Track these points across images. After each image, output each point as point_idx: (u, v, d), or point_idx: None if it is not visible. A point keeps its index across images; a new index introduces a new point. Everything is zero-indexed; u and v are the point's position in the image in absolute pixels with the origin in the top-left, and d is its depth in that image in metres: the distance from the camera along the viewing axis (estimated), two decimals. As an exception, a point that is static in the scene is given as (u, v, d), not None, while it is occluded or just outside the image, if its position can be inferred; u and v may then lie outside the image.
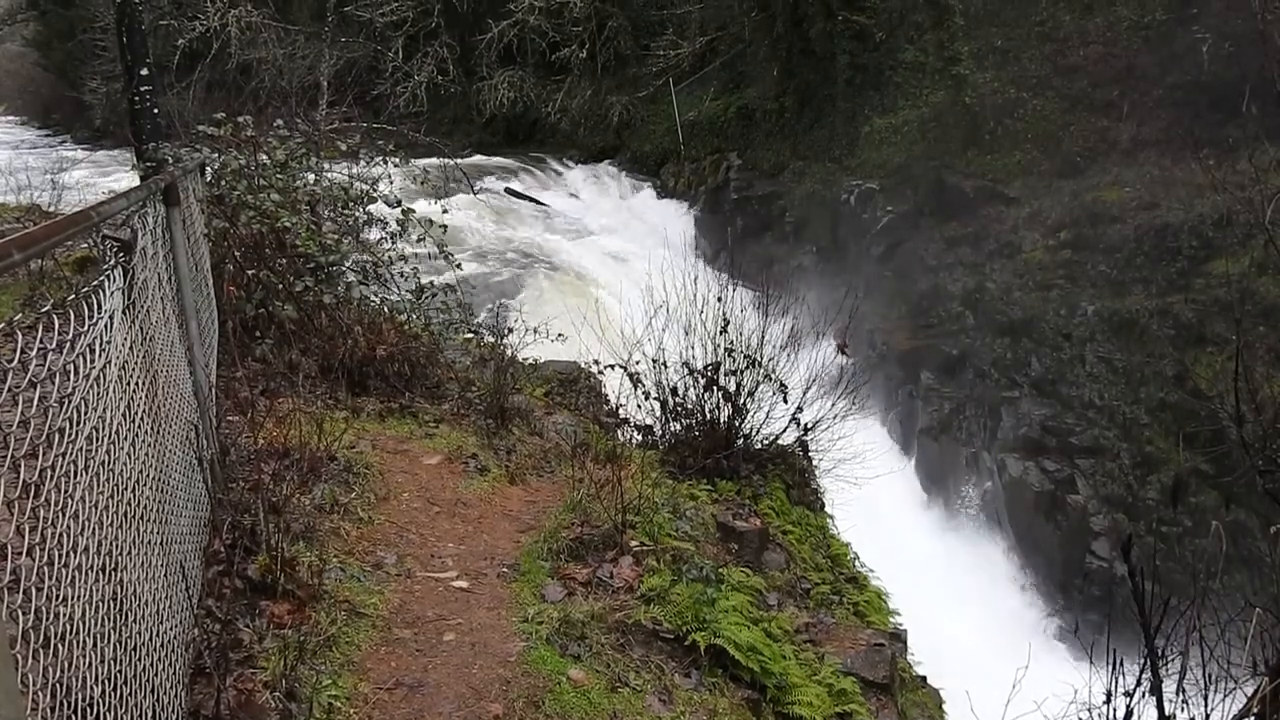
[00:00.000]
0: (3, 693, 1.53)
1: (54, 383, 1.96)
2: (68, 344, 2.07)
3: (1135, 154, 16.39)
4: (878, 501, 9.83)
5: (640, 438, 6.90)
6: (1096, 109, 17.50)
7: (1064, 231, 15.81)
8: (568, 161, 25.87)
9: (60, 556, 1.93)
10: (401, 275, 8.20)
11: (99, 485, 2.26)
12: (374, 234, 8.37)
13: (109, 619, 2.25)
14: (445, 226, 8.63)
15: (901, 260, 17.58)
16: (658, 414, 6.81)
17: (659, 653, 4.29)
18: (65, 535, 1.97)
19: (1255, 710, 3.18)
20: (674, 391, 6.68)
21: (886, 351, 16.05)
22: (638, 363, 6.66)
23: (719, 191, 22.22)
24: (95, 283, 2.50)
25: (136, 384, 2.87)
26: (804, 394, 6.71)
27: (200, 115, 8.32)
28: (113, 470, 2.41)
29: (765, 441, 6.77)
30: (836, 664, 4.82)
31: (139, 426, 2.83)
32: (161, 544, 2.97)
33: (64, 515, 1.97)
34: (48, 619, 1.84)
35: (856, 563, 6.65)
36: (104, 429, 2.34)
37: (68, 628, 1.95)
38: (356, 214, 8.35)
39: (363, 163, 9.03)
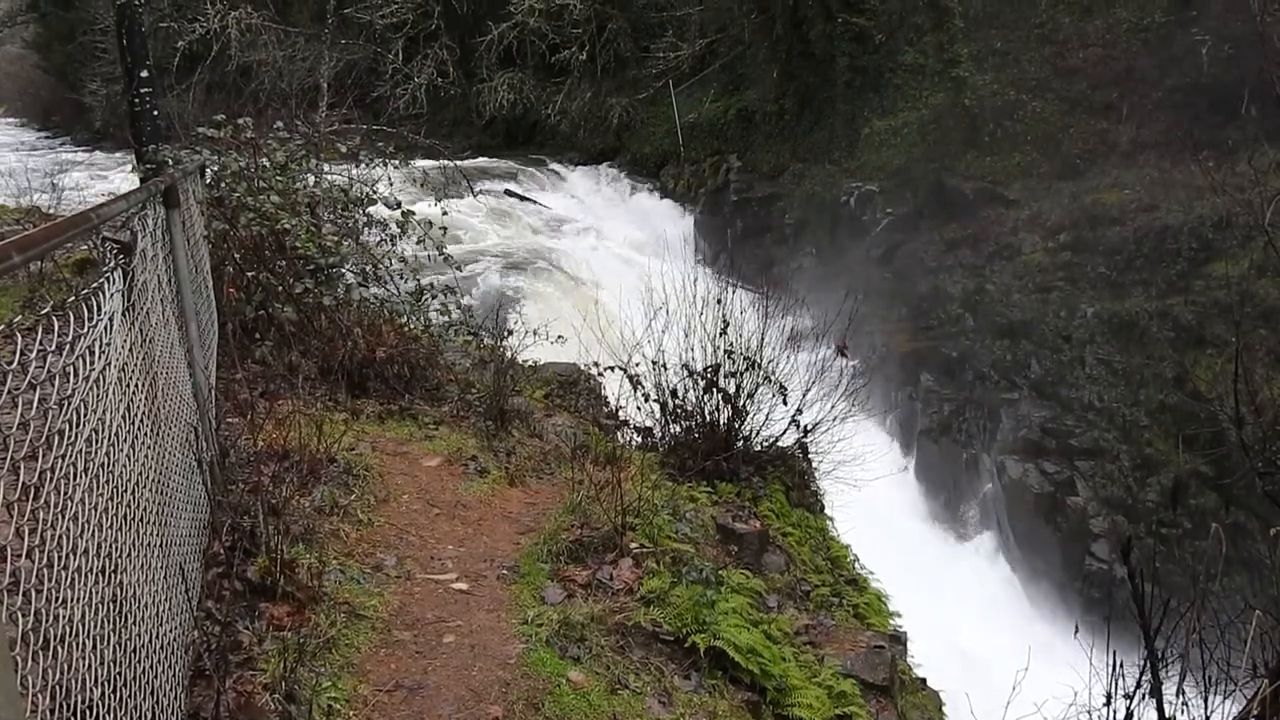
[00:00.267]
0: (2, 694, 1.53)
1: (53, 385, 1.96)
2: (67, 346, 2.07)
3: (1135, 156, 16.40)
4: (877, 503, 9.82)
5: (640, 440, 6.90)
6: (1096, 111, 17.51)
7: (1064, 233, 15.81)
8: (567, 163, 25.87)
9: (60, 559, 1.93)
10: (401, 277, 8.20)
11: (98, 487, 2.26)
12: (374, 236, 8.37)
13: (108, 621, 2.25)
14: (445, 228, 8.64)
15: (901, 262, 17.58)
16: (657, 416, 6.80)
17: (659, 655, 4.29)
18: (65, 537, 1.97)
19: (1255, 713, 3.18)
20: (674, 393, 6.68)
21: (886, 353, 16.04)
22: (637, 365, 6.66)
23: (719, 193, 22.23)
24: (95, 285, 2.50)
25: (136, 386, 2.87)
26: (804, 396, 6.71)
27: (200, 117, 8.33)
28: (112, 472, 2.41)
29: (765, 443, 6.77)
30: (836, 666, 4.82)
31: (139, 428, 2.83)
32: (161, 546, 2.97)
33: (63, 517, 1.97)
34: (47, 621, 1.84)
35: (856, 565, 6.64)
36: (103, 431, 2.34)
37: (67, 630, 1.95)
38: (356, 216, 8.35)
39: (362, 164, 9.04)
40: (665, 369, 6.62)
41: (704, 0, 25.27)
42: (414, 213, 8.43)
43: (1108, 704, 3.28)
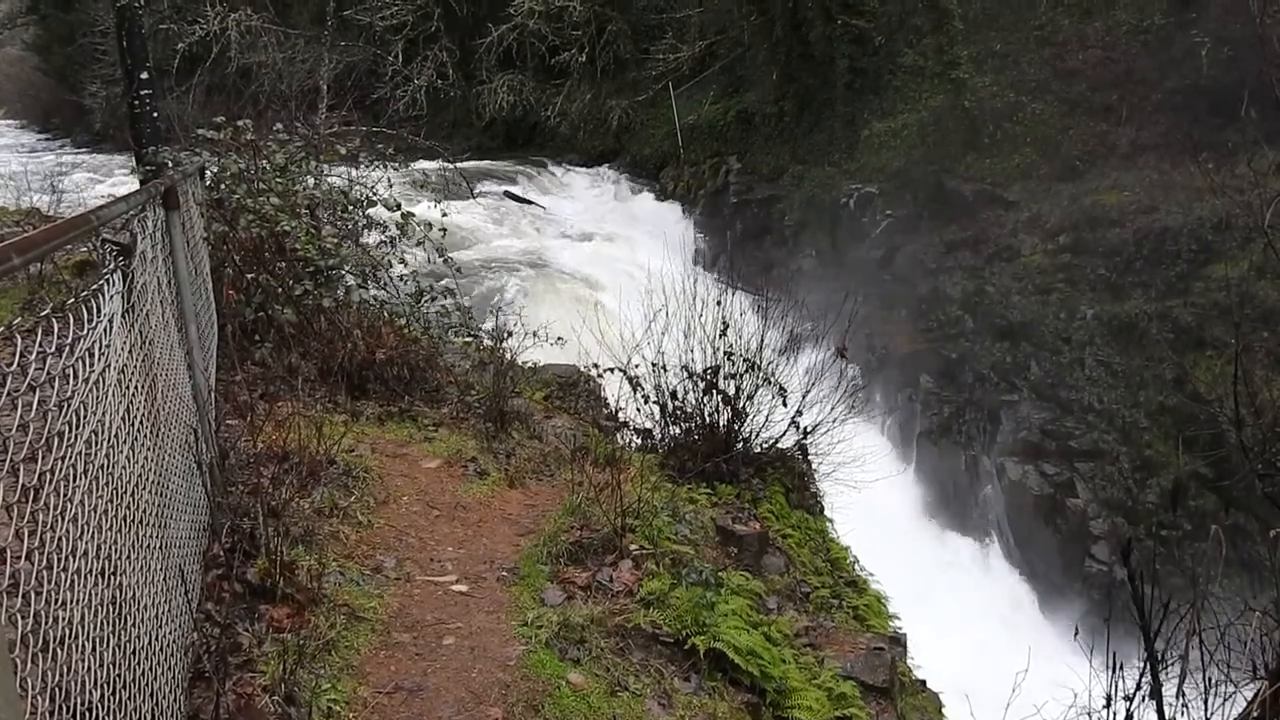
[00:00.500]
0: (2, 697, 1.53)
1: (53, 386, 1.96)
2: (67, 348, 2.07)
3: (1134, 158, 16.40)
4: (877, 505, 9.82)
5: (640, 441, 6.90)
6: (1095, 113, 17.51)
7: (1063, 235, 15.81)
8: (567, 165, 25.88)
9: (59, 560, 1.93)
10: (400, 279, 8.20)
11: (98, 489, 2.26)
12: (373, 238, 8.37)
13: (108, 623, 2.25)
14: (444, 230, 8.63)
15: (901, 264, 17.58)
16: (657, 418, 6.80)
17: (658, 656, 4.28)
18: (64, 539, 1.97)
19: (1255, 714, 3.18)
20: (673, 395, 6.68)
21: (886, 355, 16.05)
22: (637, 366, 6.66)
23: (718, 195, 22.23)
24: (94, 287, 2.50)
25: (136, 388, 2.88)
26: (803, 398, 6.71)
27: (200, 119, 8.35)
28: (112, 474, 2.41)
29: (765, 445, 6.76)
30: (836, 668, 4.82)
31: (138, 430, 2.83)
32: (161, 548, 2.97)
33: (63, 519, 1.97)
34: (47, 623, 1.84)
35: (856, 566, 6.64)
36: (103, 433, 2.34)
37: (67, 632, 1.95)
38: (356, 218, 8.35)
39: (362, 166, 9.04)
40: (665, 370, 6.62)
41: (704, 2, 25.29)
42: (413, 214, 8.43)
43: (1107, 706, 3.28)
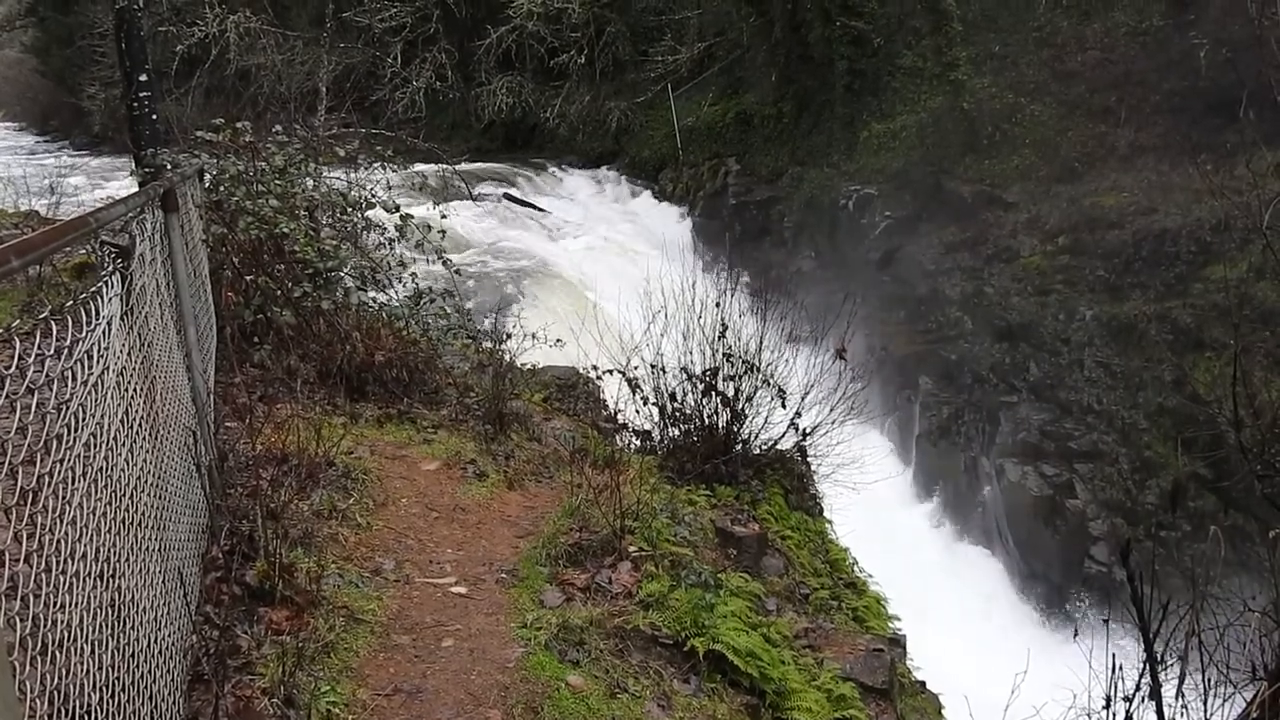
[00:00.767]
0: (0, 700, 1.53)
1: (52, 389, 1.96)
2: (65, 350, 2.06)
3: (1133, 159, 16.41)
4: (876, 506, 9.82)
5: (639, 443, 6.90)
6: (1094, 114, 17.52)
7: (1062, 236, 15.82)
8: (566, 167, 25.89)
9: (58, 563, 1.93)
10: (400, 281, 8.20)
11: (97, 491, 2.26)
12: (372, 239, 8.37)
13: (107, 626, 2.25)
14: (444, 231, 8.64)
15: (900, 265, 17.59)
16: (656, 419, 6.80)
17: (658, 658, 4.28)
18: (63, 542, 1.97)
19: (1255, 715, 3.18)
20: (672, 397, 6.68)
21: (885, 356, 16.04)
22: (636, 368, 6.66)
23: (717, 197, 22.24)
24: (93, 289, 2.50)
25: (134, 390, 2.87)
26: (802, 399, 6.71)
27: (199, 121, 8.35)
28: (110, 476, 2.41)
29: (764, 447, 6.76)
30: (835, 669, 4.81)
31: (137, 432, 2.83)
32: (159, 550, 2.97)
33: (62, 522, 1.97)
34: (45, 626, 1.84)
35: (855, 568, 6.64)
36: (102, 435, 2.34)
37: (65, 634, 1.95)
38: (355, 219, 8.35)
39: (361, 168, 9.05)
40: (664, 372, 6.62)
41: (702, 4, 25.30)
42: (412, 216, 8.44)
43: (1107, 706, 3.28)
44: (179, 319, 4.29)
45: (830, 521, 7.03)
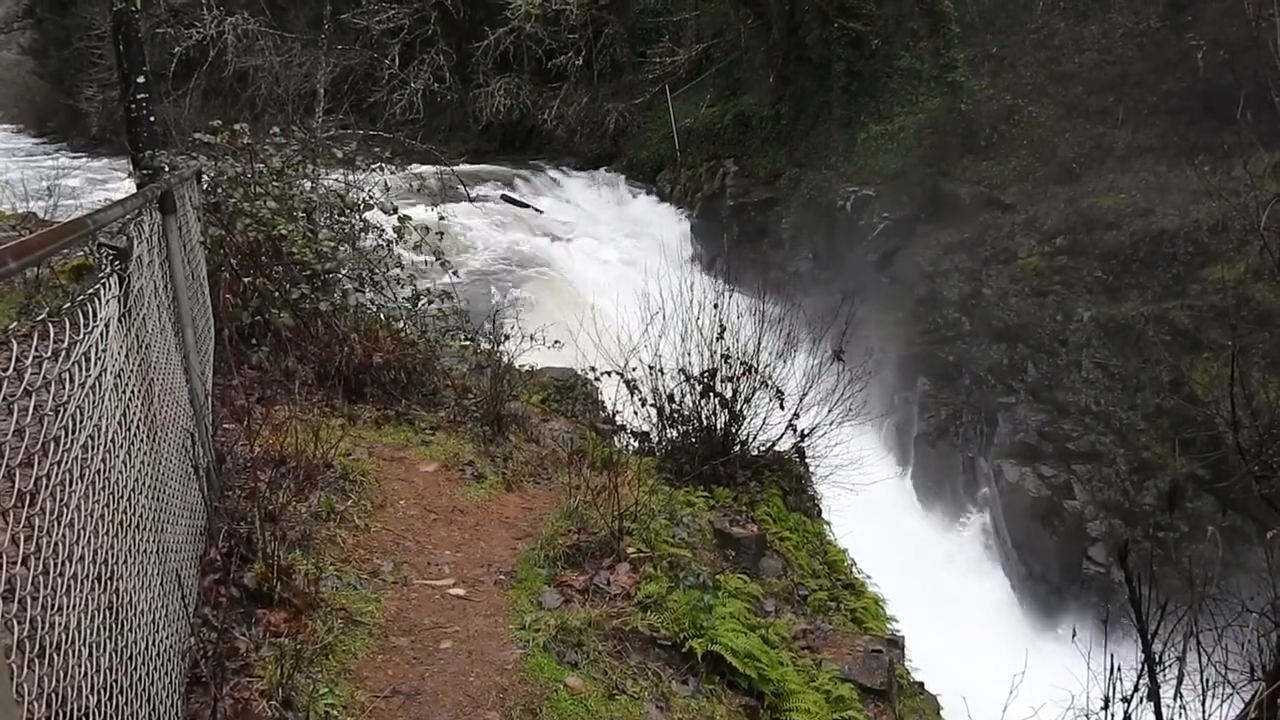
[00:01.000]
0: (-3, 702, 1.53)
1: (49, 391, 1.96)
2: (63, 352, 2.06)
3: (1131, 160, 16.42)
4: (875, 508, 9.82)
5: (637, 444, 6.90)
6: (1092, 116, 17.53)
7: (1060, 238, 15.83)
8: (564, 168, 25.88)
9: (56, 565, 1.93)
10: (398, 282, 8.20)
11: (94, 494, 2.26)
12: (370, 241, 8.37)
13: (104, 628, 2.25)
14: (442, 233, 8.63)
15: (898, 266, 17.60)
16: (654, 421, 6.80)
17: (656, 660, 4.28)
18: (61, 544, 1.97)
19: (1253, 716, 3.18)
20: (670, 398, 6.68)
21: (883, 358, 16.04)
22: (634, 369, 6.66)
23: (715, 198, 22.24)
24: (91, 291, 2.50)
25: (132, 392, 2.87)
26: (800, 400, 6.72)
27: (197, 123, 8.34)
28: (108, 479, 2.41)
29: (762, 448, 6.76)
30: (834, 670, 4.82)
31: (135, 434, 2.83)
32: (157, 552, 2.97)
33: (59, 524, 1.97)
34: (43, 628, 1.83)
35: (854, 569, 6.64)
36: (99, 437, 2.34)
37: (63, 637, 1.95)
38: (353, 221, 8.35)
39: (359, 170, 9.04)
40: (662, 374, 6.62)
41: (700, 6, 25.30)
42: (410, 218, 8.43)
43: (1105, 707, 3.28)
44: (177, 321, 4.28)
45: (828, 523, 7.03)
